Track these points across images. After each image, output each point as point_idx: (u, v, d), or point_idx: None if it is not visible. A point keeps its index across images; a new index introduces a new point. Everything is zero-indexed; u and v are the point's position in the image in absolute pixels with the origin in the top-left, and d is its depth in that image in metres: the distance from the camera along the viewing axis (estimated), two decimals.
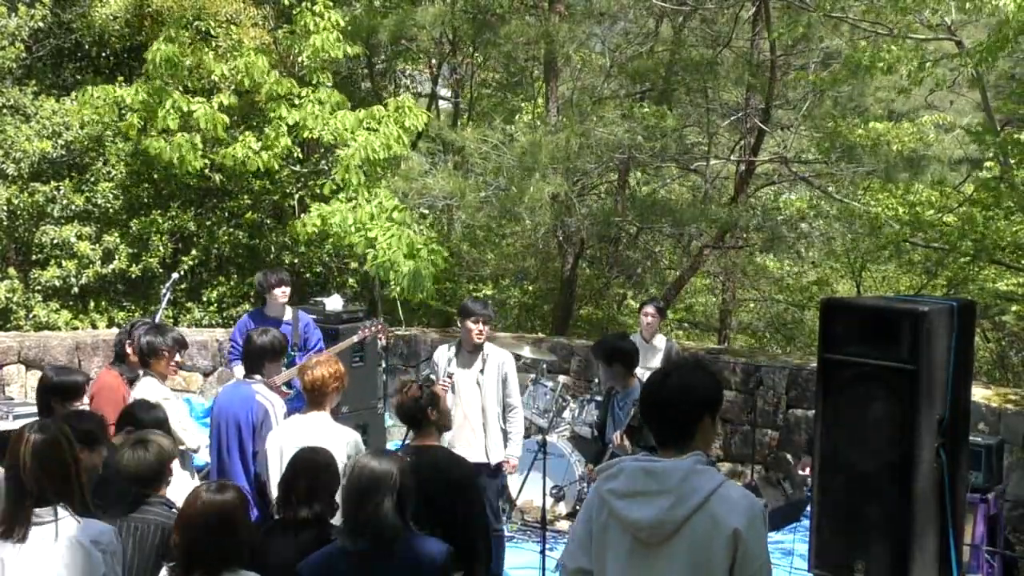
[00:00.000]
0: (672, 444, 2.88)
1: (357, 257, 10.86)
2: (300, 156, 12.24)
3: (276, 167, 11.44)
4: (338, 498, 3.60)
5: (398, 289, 10.25)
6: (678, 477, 2.80)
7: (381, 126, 11.00)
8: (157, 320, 7.34)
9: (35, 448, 3.21)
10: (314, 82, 11.40)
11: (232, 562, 3.12)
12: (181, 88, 11.29)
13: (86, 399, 4.90)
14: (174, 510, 3.63)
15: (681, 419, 2.88)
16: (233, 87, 11.34)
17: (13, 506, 3.19)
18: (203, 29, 11.72)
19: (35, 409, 7.85)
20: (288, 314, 6.71)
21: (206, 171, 11.68)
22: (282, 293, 6.62)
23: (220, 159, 11.20)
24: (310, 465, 3.69)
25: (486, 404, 5.94)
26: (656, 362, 7.56)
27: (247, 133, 11.32)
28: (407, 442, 4.36)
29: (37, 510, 3.17)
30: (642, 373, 6.11)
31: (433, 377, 5.74)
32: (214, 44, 11.69)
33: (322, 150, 12.19)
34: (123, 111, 11.22)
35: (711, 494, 2.76)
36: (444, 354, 6.13)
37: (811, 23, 9.52)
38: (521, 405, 6.27)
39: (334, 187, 10.94)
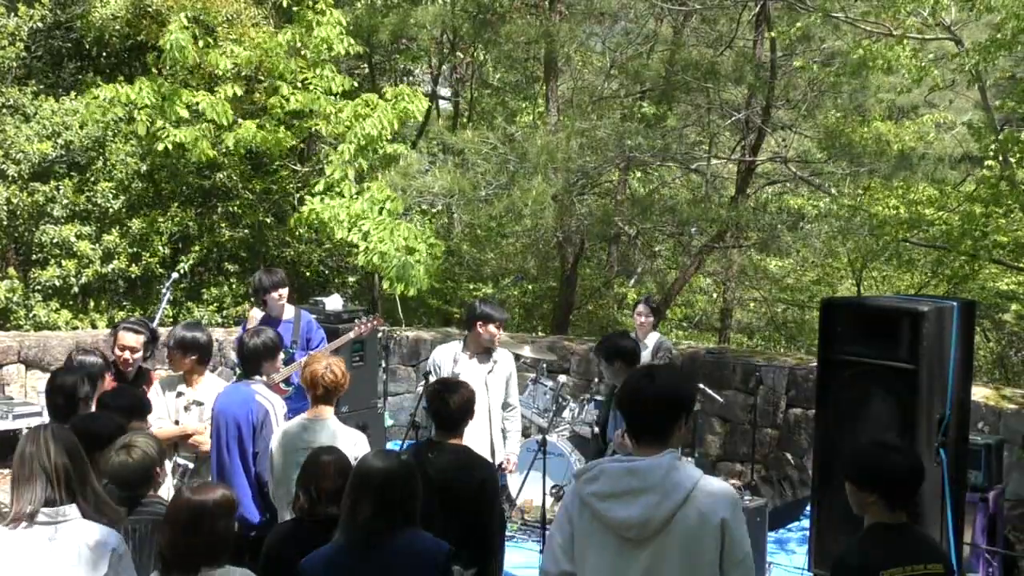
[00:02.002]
0: (652, 443, 2.94)
1: (354, 254, 10.87)
2: (301, 147, 12.27)
3: (276, 148, 11.45)
4: None
5: (387, 282, 10.27)
6: (660, 474, 2.86)
7: (376, 111, 11.06)
8: (157, 320, 7.33)
9: (68, 447, 3.25)
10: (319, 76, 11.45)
11: (209, 560, 3.13)
12: (182, 84, 11.32)
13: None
14: None
15: (663, 420, 2.95)
16: (239, 72, 11.34)
17: (23, 502, 3.20)
18: (207, 24, 11.71)
19: (35, 409, 7.86)
20: (289, 313, 6.70)
21: (213, 164, 11.68)
22: (279, 296, 6.58)
23: (228, 139, 11.22)
24: (333, 465, 3.71)
25: (492, 404, 5.96)
26: (648, 359, 7.55)
27: (247, 122, 11.39)
28: (431, 437, 4.38)
29: (47, 510, 3.18)
30: None
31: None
32: (216, 42, 11.70)
33: (322, 150, 12.21)
34: (130, 110, 11.19)
35: (694, 488, 2.84)
36: (448, 354, 6.14)
37: (811, 24, 9.51)
38: (519, 404, 6.33)
39: (327, 184, 10.98)
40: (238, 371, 5.61)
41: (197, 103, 10.93)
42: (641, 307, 7.97)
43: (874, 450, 3.30)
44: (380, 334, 8.51)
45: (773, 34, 10.16)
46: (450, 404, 4.25)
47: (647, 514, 2.83)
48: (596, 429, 6.07)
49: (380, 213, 10.58)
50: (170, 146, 10.84)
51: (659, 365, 3.07)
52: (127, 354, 5.30)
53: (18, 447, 3.32)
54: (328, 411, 4.59)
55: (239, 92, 11.25)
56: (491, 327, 6.02)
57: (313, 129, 11.64)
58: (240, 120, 11.40)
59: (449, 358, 6.10)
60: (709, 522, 2.82)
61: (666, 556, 2.83)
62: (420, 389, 6.24)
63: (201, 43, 11.02)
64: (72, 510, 3.22)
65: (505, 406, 6.16)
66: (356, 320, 6.71)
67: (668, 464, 2.88)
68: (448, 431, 4.29)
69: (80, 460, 3.29)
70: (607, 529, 2.89)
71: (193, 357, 5.20)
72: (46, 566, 3.15)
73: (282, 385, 5.65)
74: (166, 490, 4.35)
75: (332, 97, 11.31)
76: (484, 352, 6.09)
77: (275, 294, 6.54)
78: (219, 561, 3.15)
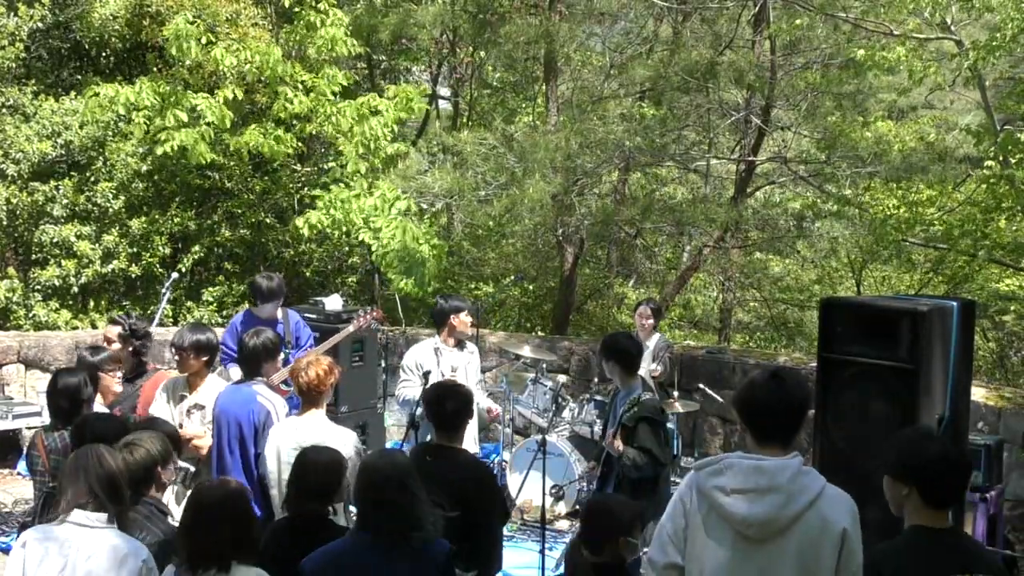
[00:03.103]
0: (779, 443, 2.93)
1: (360, 254, 10.89)
2: (303, 149, 12.27)
3: (281, 153, 11.47)
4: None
5: (399, 281, 10.31)
6: (788, 475, 2.85)
7: (382, 108, 11.12)
8: (157, 320, 7.31)
9: (116, 463, 3.42)
10: (321, 75, 11.46)
11: (230, 556, 3.15)
12: (183, 85, 11.32)
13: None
14: (166, 513, 3.74)
15: (793, 424, 2.96)
16: (240, 77, 11.34)
17: (61, 501, 3.32)
18: (208, 23, 11.73)
19: (35, 409, 7.85)
20: (279, 314, 6.70)
21: (214, 164, 11.69)
22: (273, 306, 6.55)
23: (234, 144, 11.22)
24: (318, 463, 3.72)
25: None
26: (648, 361, 7.54)
27: (252, 126, 11.37)
28: (430, 439, 4.38)
29: (80, 512, 3.27)
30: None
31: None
32: (217, 41, 11.71)
33: (322, 149, 12.22)
34: (129, 110, 11.20)
35: (819, 493, 2.83)
36: (427, 352, 6.22)
37: (811, 24, 9.52)
38: (476, 386, 6.53)
39: (335, 177, 11.00)
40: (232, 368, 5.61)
41: (197, 105, 10.94)
42: (643, 308, 7.97)
43: (912, 438, 3.03)
44: (381, 334, 8.51)
45: (773, 28, 10.17)
46: (447, 408, 4.24)
47: (772, 514, 2.81)
48: (602, 428, 6.08)
49: (390, 211, 10.65)
50: (170, 150, 10.84)
51: (785, 370, 2.96)
52: (105, 344, 5.57)
53: (72, 454, 3.52)
54: (317, 411, 4.59)
55: (239, 94, 11.26)
56: (463, 316, 6.31)
57: (315, 131, 11.63)
58: (244, 126, 11.42)
59: (430, 355, 6.19)
60: (832, 530, 2.80)
61: (783, 558, 2.82)
62: (401, 388, 6.24)
63: (204, 39, 11.03)
64: (109, 519, 3.31)
65: None
66: (355, 315, 6.72)
67: (796, 467, 2.87)
68: (447, 432, 4.28)
69: (125, 478, 3.41)
70: (725, 524, 2.87)
71: (204, 358, 5.24)
72: (79, 570, 3.22)
73: (282, 386, 5.64)
74: (169, 492, 4.36)
75: (334, 97, 11.33)
76: (459, 343, 6.36)
77: (269, 305, 6.52)
78: (231, 559, 3.17)
